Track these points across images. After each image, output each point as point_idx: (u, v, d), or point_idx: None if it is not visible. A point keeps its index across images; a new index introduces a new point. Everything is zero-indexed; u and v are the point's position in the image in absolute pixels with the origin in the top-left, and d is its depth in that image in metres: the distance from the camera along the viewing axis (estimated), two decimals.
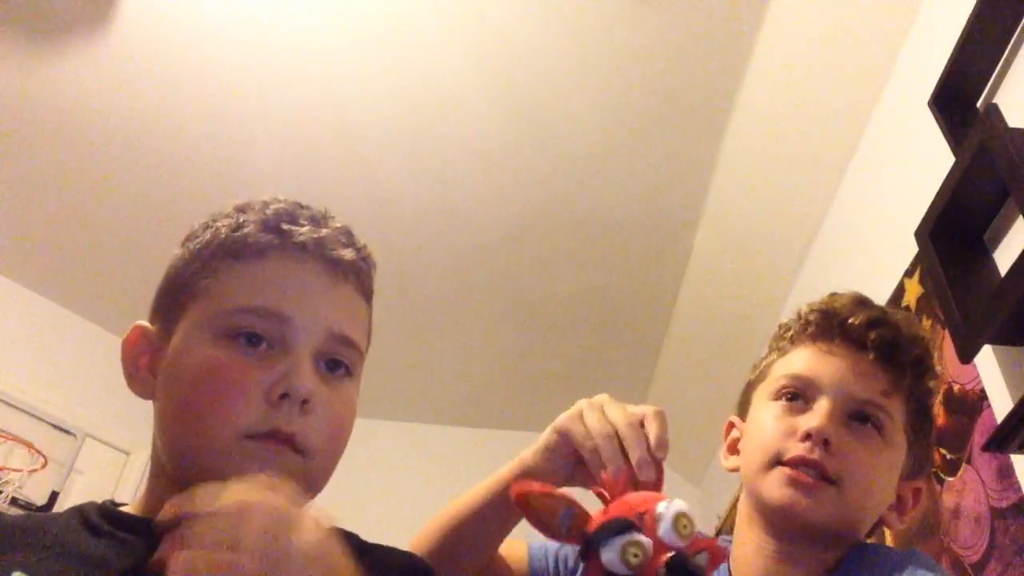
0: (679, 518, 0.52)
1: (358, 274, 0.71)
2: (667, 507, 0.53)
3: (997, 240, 1.28)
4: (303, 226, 0.67)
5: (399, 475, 3.22)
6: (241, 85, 2.09)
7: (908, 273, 1.56)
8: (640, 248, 2.42)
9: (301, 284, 0.65)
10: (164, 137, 2.24)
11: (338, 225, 0.71)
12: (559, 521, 0.56)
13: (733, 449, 0.85)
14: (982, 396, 1.27)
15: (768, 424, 0.77)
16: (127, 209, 2.43)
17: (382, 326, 2.83)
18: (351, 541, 0.65)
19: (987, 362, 1.25)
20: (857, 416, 0.76)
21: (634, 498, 0.57)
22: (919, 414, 0.80)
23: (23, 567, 0.55)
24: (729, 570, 0.79)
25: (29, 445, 2.55)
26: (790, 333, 0.84)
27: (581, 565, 0.59)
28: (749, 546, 0.77)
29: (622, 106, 2.04)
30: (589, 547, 0.54)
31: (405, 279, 2.63)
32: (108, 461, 2.82)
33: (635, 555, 0.51)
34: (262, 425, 0.59)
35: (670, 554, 0.51)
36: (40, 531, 0.60)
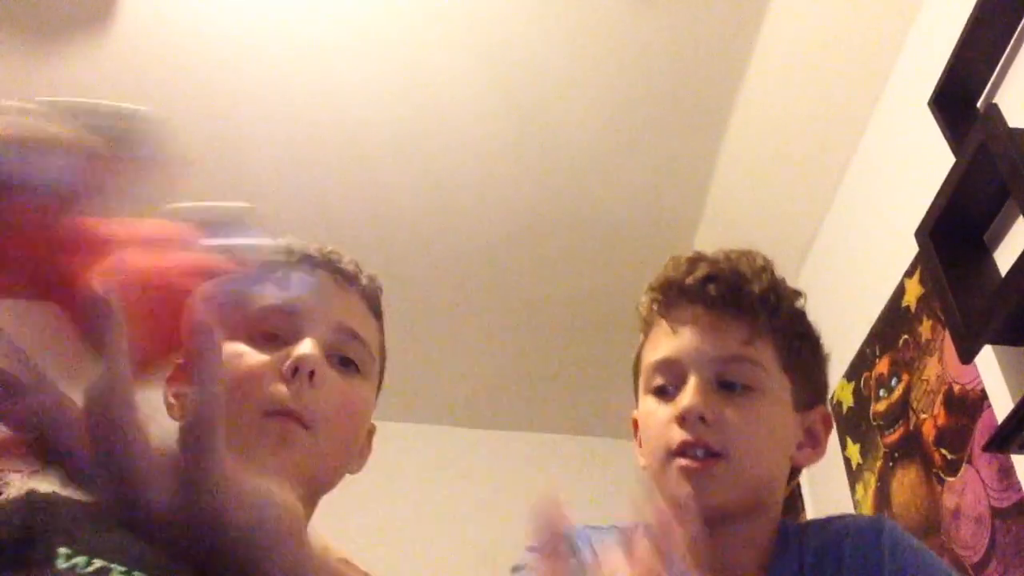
0: None
1: (365, 289, 0.77)
2: None
3: (997, 240, 1.29)
4: (310, 248, 0.75)
5: (399, 475, 3.22)
6: (241, 85, 2.09)
7: (908, 273, 1.56)
8: (640, 248, 2.42)
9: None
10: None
11: (346, 256, 0.78)
12: None
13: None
14: (982, 396, 1.27)
15: (650, 419, 0.77)
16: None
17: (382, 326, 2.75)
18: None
19: (987, 362, 1.25)
20: (726, 383, 0.75)
21: None
22: (792, 344, 0.78)
23: (68, 542, 0.56)
24: None
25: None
26: (643, 312, 0.83)
27: None
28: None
29: (622, 106, 2.04)
30: None
31: (405, 279, 2.62)
32: None
33: None
34: (277, 403, 0.63)
35: None
36: (90, 509, 0.60)
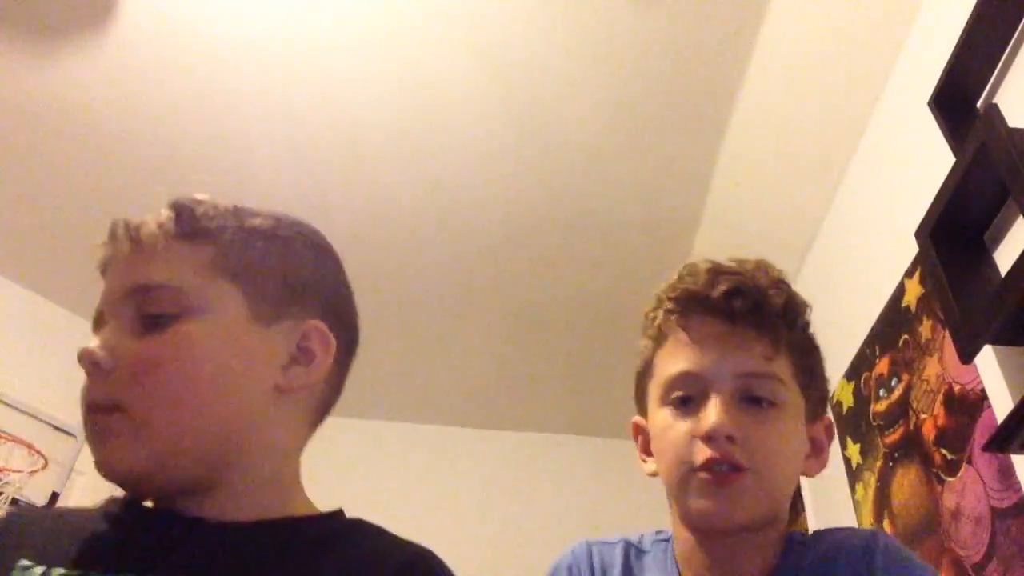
0: None
1: (161, 227, 0.64)
2: None
3: (997, 240, 1.28)
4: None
5: (399, 475, 3.22)
6: (241, 85, 2.09)
7: (908, 273, 1.56)
8: (640, 248, 2.42)
9: (112, 263, 0.65)
10: (164, 137, 2.24)
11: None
12: None
13: (646, 450, 0.83)
14: (982, 396, 1.27)
15: (670, 433, 0.76)
16: (127, 209, 2.42)
17: (382, 326, 2.84)
18: (362, 529, 0.65)
19: (987, 362, 1.25)
20: (749, 397, 0.74)
21: None
22: (803, 357, 0.78)
23: (33, 553, 0.57)
24: (675, 559, 0.79)
25: (29, 446, 2.55)
26: (657, 321, 0.81)
27: None
28: (687, 544, 0.77)
29: (622, 106, 2.04)
30: None
31: (405, 279, 2.63)
32: None
33: None
34: (93, 404, 0.60)
35: None
36: (60, 520, 0.62)
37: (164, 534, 0.59)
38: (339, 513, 0.66)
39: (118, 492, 0.65)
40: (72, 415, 2.73)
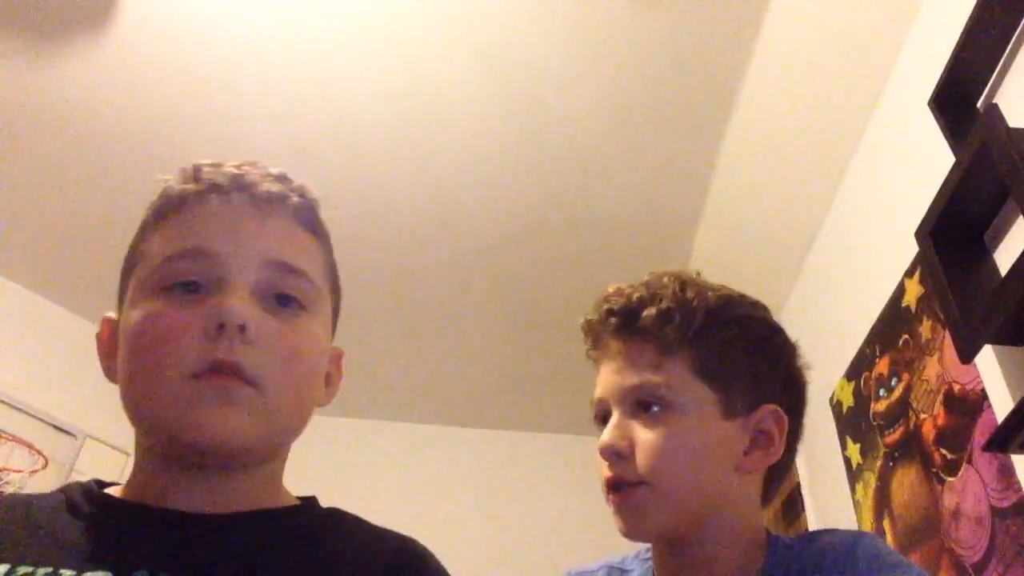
0: None
1: (295, 208, 0.66)
2: None
3: (997, 240, 1.28)
4: (224, 169, 0.66)
5: (399, 475, 3.22)
6: (241, 85, 2.09)
7: (908, 273, 1.56)
8: (640, 248, 2.42)
9: (224, 220, 0.62)
10: (164, 137, 2.24)
11: (270, 169, 0.68)
12: None
13: None
14: (982, 396, 1.27)
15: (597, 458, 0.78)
16: (127, 209, 2.41)
17: (383, 326, 2.84)
18: (343, 520, 0.65)
19: (987, 362, 1.25)
20: (638, 404, 0.76)
21: None
22: (715, 351, 0.77)
23: None
24: (654, 572, 0.79)
25: (29, 446, 2.55)
26: (590, 352, 0.86)
27: None
28: (660, 555, 0.78)
29: (622, 106, 2.04)
30: None
31: (405, 279, 2.63)
32: (108, 461, 2.82)
33: None
34: (204, 361, 0.56)
35: None
36: (21, 511, 0.59)
37: (140, 528, 0.58)
38: (315, 501, 0.66)
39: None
40: (72, 415, 2.73)
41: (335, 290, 0.70)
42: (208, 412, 0.56)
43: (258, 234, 0.62)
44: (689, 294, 0.79)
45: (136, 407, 0.60)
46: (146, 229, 0.65)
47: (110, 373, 0.65)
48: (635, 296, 0.80)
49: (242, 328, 0.57)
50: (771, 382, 0.78)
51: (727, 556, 0.74)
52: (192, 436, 0.56)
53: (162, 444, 0.60)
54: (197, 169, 0.66)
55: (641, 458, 0.72)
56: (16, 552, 0.54)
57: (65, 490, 0.62)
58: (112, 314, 0.67)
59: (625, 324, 0.79)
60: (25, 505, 0.60)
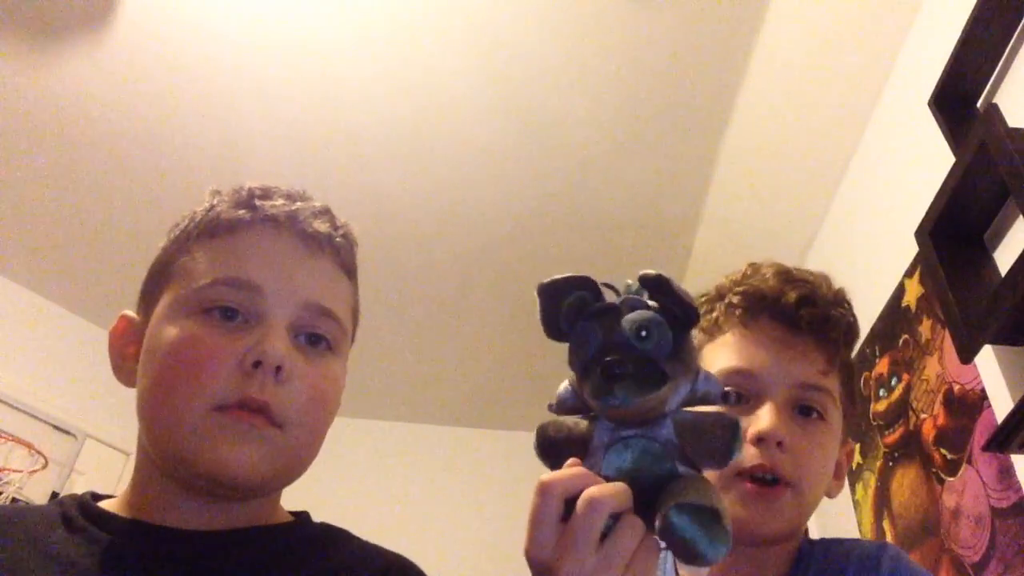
0: None
1: (337, 249, 0.67)
2: None
3: (997, 240, 1.28)
4: (276, 201, 0.67)
5: (399, 475, 3.22)
6: (241, 85, 2.09)
7: (908, 273, 1.56)
8: (640, 248, 2.42)
9: (273, 255, 0.63)
10: (164, 137, 2.24)
11: (316, 203, 0.69)
12: None
13: None
14: (982, 396, 1.27)
15: None
16: (127, 209, 2.43)
17: (383, 326, 2.83)
18: (336, 536, 0.65)
19: (987, 362, 1.25)
20: (801, 408, 0.73)
21: None
22: (849, 380, 0.78)
23: None
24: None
25: (29, 446, 2.55)
26: (715, 313, 0.80)
27: None
28: None
29: (622, 106, 2.04)
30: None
31: (405, 279, 2.63)
32: (108, 461, 2.82)
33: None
34: (232, 395, 0.57)
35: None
36: (15, 522, 0.59)
37: (136, 544, 0.58)
38: (307, 517, 0.67)
39: (118, 493, 0.64)
40: (72, 415, 2.73)
41: (354, 328, 0.71)
42: (228, 447, 0.57)
43: (303, 275, 0.64)
44: (854, 319, 0.78)
45: (154, 428, 0.60)
46: (188, 241, 0.65)
47: (120, 372, 0.65)
48: (829, 297, 0.77)
49: (278, 369, 0.58)
50: (854, 420, 0.82)
51: (781, 559, 0.74)
52: (208, 468, 0.57)
53: (172, 466, 0.59)
54: (251, 195, 0.67)
55: (796, 460, 0.70)
56: (8, 567, 0.54)
57: (60, 503, 0.62)
58: (131, 312, 0.67)
59: (816, 322, 0.75)
60: (19, 517, 0.60)
